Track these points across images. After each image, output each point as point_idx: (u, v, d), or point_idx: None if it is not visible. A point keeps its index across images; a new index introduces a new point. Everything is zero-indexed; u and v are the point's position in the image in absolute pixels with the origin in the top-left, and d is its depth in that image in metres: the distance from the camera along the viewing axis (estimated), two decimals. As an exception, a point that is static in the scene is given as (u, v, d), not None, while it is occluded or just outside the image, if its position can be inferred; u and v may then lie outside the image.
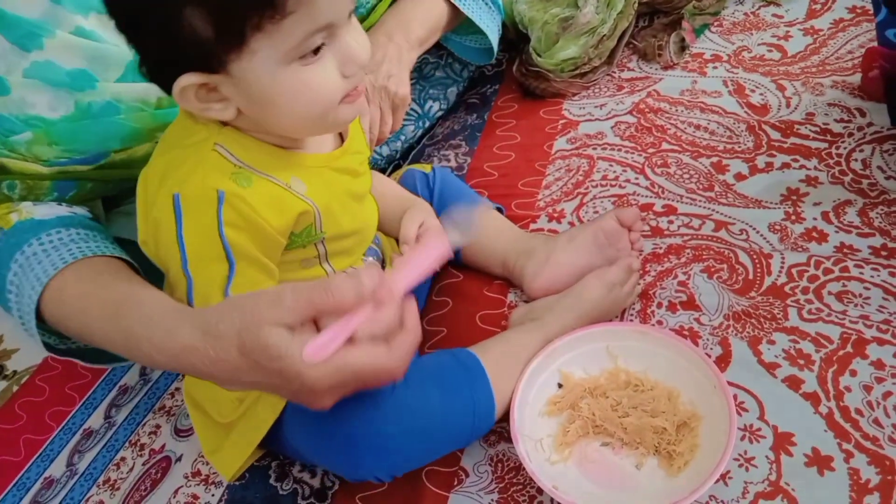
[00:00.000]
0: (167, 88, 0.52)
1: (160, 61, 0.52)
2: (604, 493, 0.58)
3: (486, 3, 0.93)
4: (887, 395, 0.60)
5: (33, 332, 0.62)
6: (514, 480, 0.63)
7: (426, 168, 0.87)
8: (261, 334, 0.46)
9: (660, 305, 0.73)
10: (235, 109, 0.54)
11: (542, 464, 0.60)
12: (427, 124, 1.07)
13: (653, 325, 0.71)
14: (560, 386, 0.66)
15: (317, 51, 0.51)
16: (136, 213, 0.59)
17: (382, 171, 1.03)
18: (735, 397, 0.62)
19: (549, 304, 0.71)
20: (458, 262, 0.83)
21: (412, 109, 1.05)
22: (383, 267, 0.74)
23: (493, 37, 0.95)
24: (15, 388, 0.96)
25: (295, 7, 0.47)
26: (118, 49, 0.63)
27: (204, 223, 0.54)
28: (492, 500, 0.62)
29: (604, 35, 1.03)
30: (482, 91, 1.13)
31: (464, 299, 0.82)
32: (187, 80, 0.50)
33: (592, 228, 0.75)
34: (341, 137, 0.66)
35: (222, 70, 0.50)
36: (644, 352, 0.66)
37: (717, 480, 0.58)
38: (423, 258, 0.53)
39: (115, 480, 0.78)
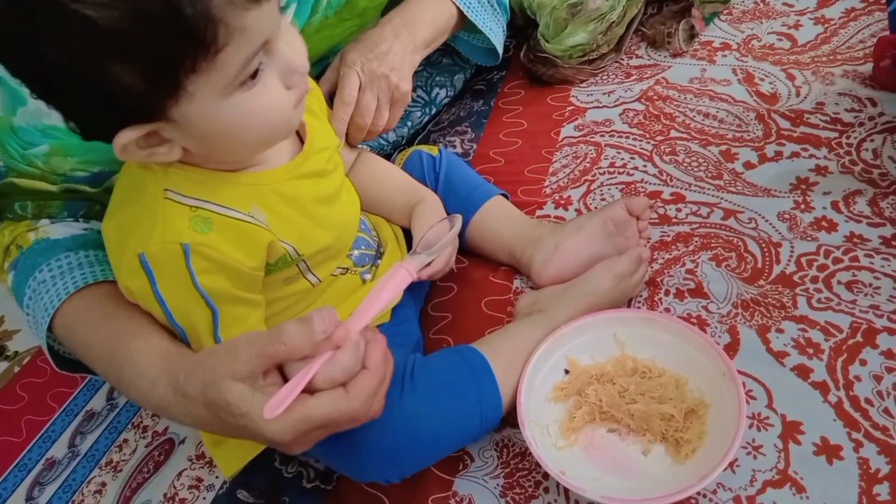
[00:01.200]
0: (107, 141, 0.49)
1: (92, 122, 0.48)
2: (610, 478, 0.58)
3: (492, 6, 0.92)
4: (897, 384, 0.60)
5: (48, 357, 0.66)
6: (520, 465, 0.63)
7: (433, 150, 0.86)
8: (223, 390, 0.47)
9: (667, 293, 0.73)
10: (181, 149, 0.51)
11: (549, 449, 0.60)
12: (433, 111, 1.06)
13: (661, 312, 0.71)
14: (567, 372, 0.66)
15: (255, 73, 0.48)
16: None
17: (388, 156, 1.02)
18: (743, 385, 0.62)
19: (557, 295, 0.71)
20: (462, 249, 0.82)
21: (418, 96, 1.04)
22: (379, 256, 0.73)
23: (497, 40, 0.93)
24: (16, 369, 0.95)
25: (227, 39, 0.44)
26: None
27: (177, 279, 0.53)
28: (497, 484, 0.62)
29: (613, 22, 1.01)
30: (489, 77, 1.12)
31: (469, 285, 0.81)
32: (127, 137, 0.47)
33: (601, 217, 0.74)
34: (300, 137, 0.64)
35: (162, 118, 0.47)
36: (652, 339, 0.65)
37: (725, 468, 0.58)
38: (380, 293, 0.52)
39: (118, 462, 0.78)
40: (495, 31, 0.92)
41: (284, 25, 0.50)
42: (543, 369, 0.65)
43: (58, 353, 0.67)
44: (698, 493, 0.57)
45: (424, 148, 0.86)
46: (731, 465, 0.58)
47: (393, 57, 0.80)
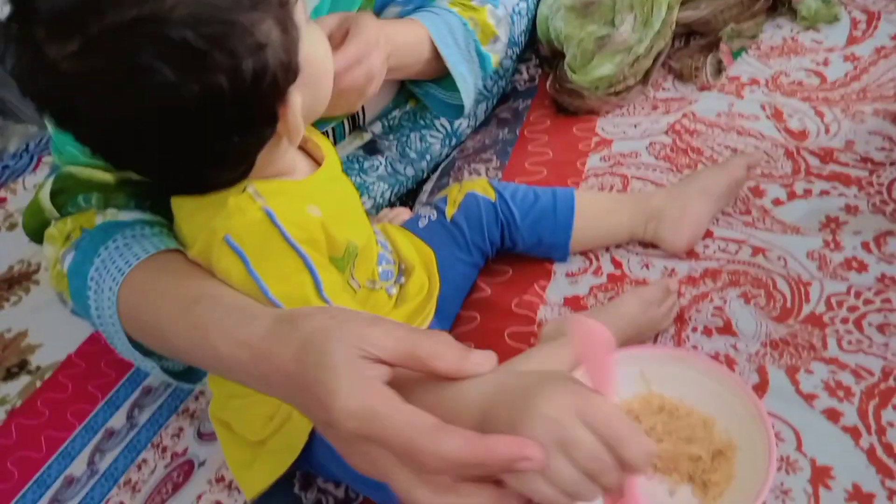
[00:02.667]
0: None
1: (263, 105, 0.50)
2: None
3: (469, 52, 0.86)
4: (931, 432, 0.58)
5: (117, 328, 0.57)
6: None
7: (490, 193, 0.81)
8: (335, 340, 0.40)
9: (695, 329, 0.72)
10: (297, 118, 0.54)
11: None
12: (454, 142, 1.06)
13: (688, 349, 0.70)
14: None
15: None
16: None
17: (411, 191, 1.02)
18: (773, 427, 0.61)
19: (584, 319, 0.70)
20: (565, 254, 0.83)
21: (441, 125, 1.04)
22: (402, 274, 0.74)
23: (466, 87, 0.85)
24: (38, 384, 0.96)
25: None
26: None
27: (269, 246, 0.53)
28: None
29: (640, 54, 1.02)
30: (514, 106, 1.13)
31: (492, 314, 0.81)
32: (297, 100, 0.51)
33: (726, 179, 0.79)
34: (310, 156, 0.65)
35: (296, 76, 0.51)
36: (680, 377, 0.64)
37: (754, 512, 0.57)
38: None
39: (137, 482, 0.78)
40: (466, 78, 0.85)
41: None
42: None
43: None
44: (726, 538, 0.56)
45: (478, 190, 0.82)
46: (759, 509, 0.57)
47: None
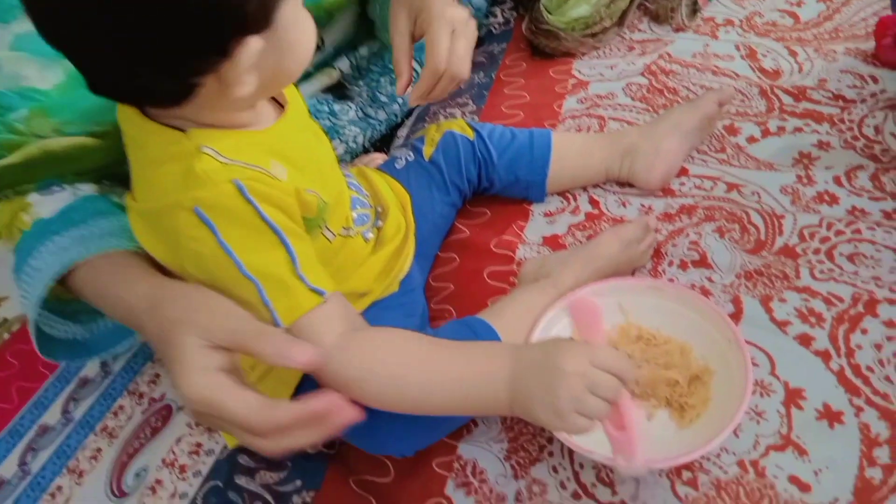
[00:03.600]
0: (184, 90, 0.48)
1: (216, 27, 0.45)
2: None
3: None
4: (898, 353, 0.60)
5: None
6: (524, 430, 0.63)
7: (468, 132, 0.81)
8: (178, 335, 0.48)
9: (671, 264, 0.73)
10: (255, 78, 0.49)
11: None
12: (430, 83, 1.04)
13: (665, 280, 0.71)
14: (571, 339, 0.66)
15: None
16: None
17: (385, 136, 1.00)
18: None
19: (563, 259, 0.71)
20: (542, 193, 0.83)
21: (415, 69, 1.01)
22: (379, 217, 0.72)
23: None
24: (6, 336, 0.94)
25: None
26: None
27: (241, 218, 0.51)
28: (501, 448, 0.62)
29: (616, -5, 1.01)
30: (489, 49, 1.12)
31: (471, 255, 0.81)
32: (257, 43, 0.46)
33: (697, 114, 0.80)
34: (277, 102, 0.62)
35: (270, 24, 0.47)
36: (657, 307, 0.65)
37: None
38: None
39: (114, 428, 0.77)
40: None
41: None
42: (550, 334, 0.65)
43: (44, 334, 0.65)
44: (702, 457, 0.57)
45: (456, 129, 0.81)
46: (735, 429, 0.58)
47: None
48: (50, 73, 0.59)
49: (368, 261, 0.69)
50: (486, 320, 0.64)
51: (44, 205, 0.63)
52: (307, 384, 0.62)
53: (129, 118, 0.53)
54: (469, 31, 0.74)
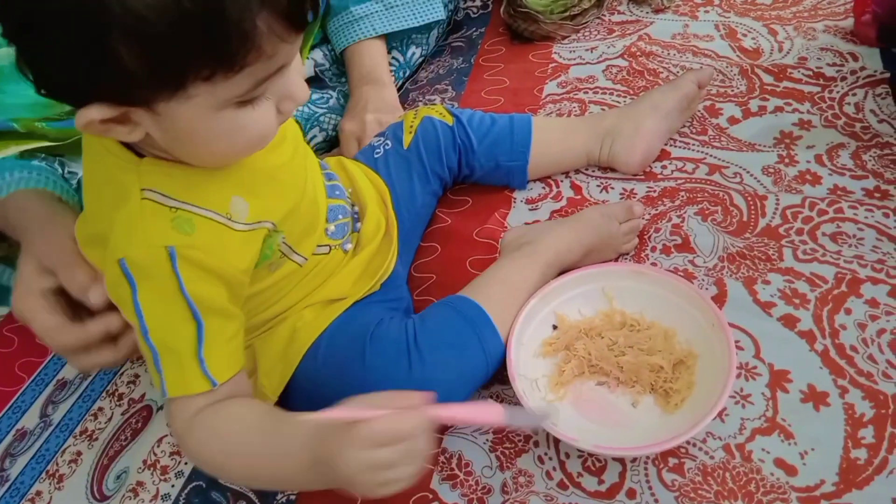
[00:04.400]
0: (69, 102, 0.46)
1: (63, 83, 0.43)
2: (601, 429, 0.58)
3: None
4: (881, 332, 0.60)
5: None
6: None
7: (447, 118, 0.79)
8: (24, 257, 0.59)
9: (654, 248, 0.72)
10: (143, 133, 0.46)
11: (539, 403, 0.59)
12: (407, 73, 1.03)
13: (648, 265, 0.70)
14: (555, 327, 0.65)
15: (256, 98, 0.46)
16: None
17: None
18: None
19: (543, 227, 0.71)
20: (523, 180, 0.82)
21: (393, 58, 1.00)
22: (358, 220, 0.70)
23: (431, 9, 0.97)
24: (-19, 340, 0.92)
25: (253, 61, 0.41)
26: None
27: (161, 287, 0.49)
28: (487, 440, 0.62)
29: (594, -24, 1.00)
30: (468, 34, 1.10)
31: (453, 244, 0.80)
32: (96, 114, 0.43)
33: (676, 95, 0.79)
34: None
35: (144, 106, 0.43)
36: (640, 292, 0.65)
37: (714, 417, 0.58)
38: (475, 410, 0.52)
39: (93, 431, 0.76)
40: (421, 12, 0.96)
41: (297, 58, 0.48)
42: (532, 325, 0.64)
43: None
44: (688, 442, 0.57)
45: (435, 115, 0.80)
46: (719, 413, 0.58)
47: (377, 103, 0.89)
48: None
49: (346, 267, 0.66)
50: (470, 298, 0.63)
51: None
52: (296, 388, 0.62)
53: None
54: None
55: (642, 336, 0.62)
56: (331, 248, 0.64)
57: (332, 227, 0.65)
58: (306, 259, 0.61)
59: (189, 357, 0.50)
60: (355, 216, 0.70)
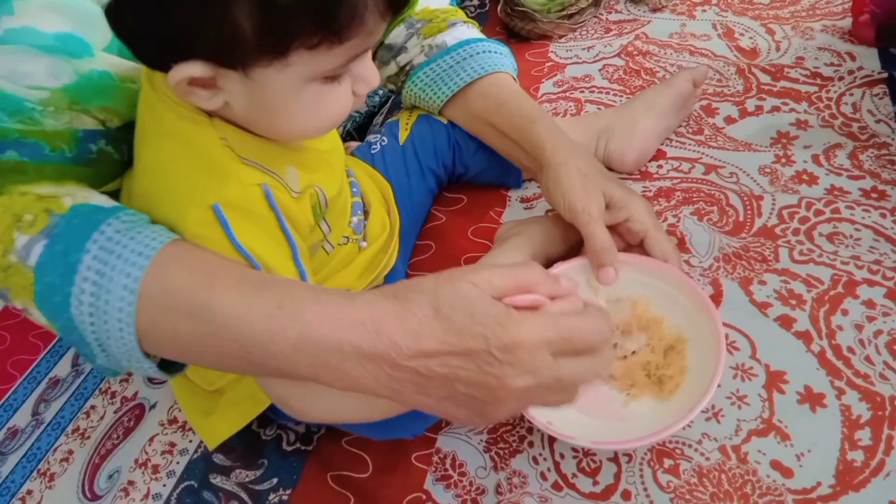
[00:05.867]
0: (153, 63, 0.46)
1: (167, 42, 0.44)
2: (598, 424, 0.56)
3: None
4: (878, 333, 0.60)
5: (128, 320, 0.45)
6: (504, 421, 0.62)
7: (442, 115, 0.78)
8: (461, 287, 0.40)
9: (650, 248, 0.72)
10: (223, 101, 0.47)
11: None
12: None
13: (632, 253, 0.68)
14: None
15: (341, 76, 0.47)
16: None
17: (362, 127, 0.98)
18: (727, 336, 0.62)
19: (533, 221, 0.71)
20: (518, 178, 0.82)
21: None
22: (367, 216, 0.70)
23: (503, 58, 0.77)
24: (-27, 338, 0.91)
25: (354, 35, 0.43)
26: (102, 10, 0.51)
27: (261, 223, 0.50)
28: (481, 440, 0.61)
29: (592, -25, 0.99)
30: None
31: (448, 242, 0.79)
32: (196, 71, 0.43)
33: (671, 94, 0.78)
34: None
35: (240, 69, 0.44)
36: (625, 280, 0.63)
37: (710, 418, 0.58)
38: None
39: (85, 429, 0.75)
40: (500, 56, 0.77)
41: None
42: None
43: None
44: (683, 444, 0.57)
45: (430, 113, 0.79)
46: (716, 415, 0.58)
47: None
48: (61, 73, 0.51)
49: (357, 258, 0.67)
50: None
51: (92, 196, 0.52)
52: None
53: (154, 82, 0.50)
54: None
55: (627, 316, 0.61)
56: (349, 241, 0.65)
57: (354, 220, 0.66)
58: (333, 248, 0.63)
59: (293, 272, 0.52)
60: (365, 214, 0.70)
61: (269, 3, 0.40)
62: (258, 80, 0.45)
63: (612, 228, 0.63)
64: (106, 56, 0.53)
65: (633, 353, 0.60)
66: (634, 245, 0.64)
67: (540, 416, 0.55)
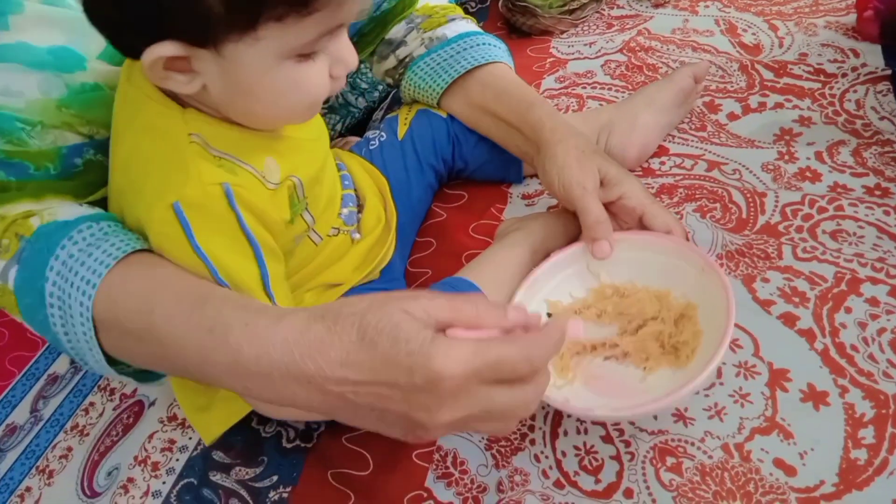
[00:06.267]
0: (129, 50, 0.46)
1: (140, 22, 0.44)
2: (617, 401, 0.55)
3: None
4: (882, 331, 0.59)
5: (91, 344, 0.50)
6: (506, 419, 0.62)
7: (440, 110, 0.78)
8: (392, 315, 0.38)
9: (652, 245, 0.71)
10: (201, 85, 0.47)
11: (549, 389, 0.57)
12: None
13: (626, 231, 0.66)
14: (549, 315, 0.64)
15: (313, 53, 0.47)
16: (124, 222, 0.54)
17: (361, 122, 0.98)
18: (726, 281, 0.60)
19: (534, 217, 0.71)
20: (519, 172, 0.81)
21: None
22: (360, 211, 0.71)
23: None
24: (-29, 334, 0.91)
25: (324, 6, 0.43)
26: None
27: (221, 224, 0.49)
28: (482, 437, 0.61)
29: (593, -30, 0.99)
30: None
31: (449, 239, 0.79)
32: (168, 51, 0.44)
33: (672, 89, 0.78)
34: None
35: (212, 47, 0.44)
36: (624, 261, 0.62)
37: (713, 416, 0.57)
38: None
39: (84, 426, 0.75)
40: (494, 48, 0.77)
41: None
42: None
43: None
44: (686, 442, 0.56)
45: (430, 108, 0.79)
46: (718, 412, 0.57)
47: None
48: (52, 88, 0.52)
49: (348, 254, 0.67)
50: (467, 279, 0.63)
51: (60, 210, 0.54)
52: None
53: (131, 77, 0.51)
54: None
55: (630, 301, 0.61)
56: (339, 232, 0.66)
57: (344, 212, 0.66)
58: (322, 238, 0.63)
59: (261, 293, 0.51)
60: (359, 205, 0.71)
61: None
62: (230, 57, 0.45)
63: (608, 207, 0.62)
64: (98, 66, 0.54)
65: (642, 326, 0.60)
66: (632, 224, 0.64)
67: (556, 395, 0.54)
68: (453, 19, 0.77)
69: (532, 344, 0.40)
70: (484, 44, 0.75)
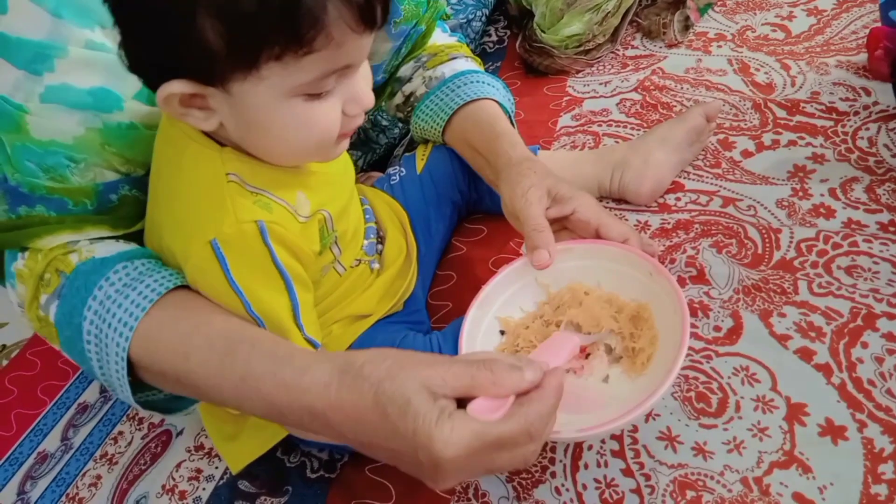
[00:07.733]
0: (150, 84, 0.49)
1: (150, 57, 0.47)
2: (579, 417, 0.53)
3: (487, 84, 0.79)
4: (899, 366, 0.60)
5: (123, 382, 0.53)
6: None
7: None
8: (406, 387, 0.42)
9: (669, 279, 0.73)
10: (219, 122, 0.50)
11: None
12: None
13: (571, 239, 0.66)
14: (503, 333, 0.63)
15: (323, 93, 0.49)
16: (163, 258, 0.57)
17: (382, 159, 1.00)
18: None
19: None
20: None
21: None
22: (380, 242, 0.72)
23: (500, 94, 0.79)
24: (4, 363, 0.93)
25: (321, 46, 0.44)
26: None
27: (255, 260, 0.52)
28: (504, 470, 0.62)
29: (608, 12, 1.02)
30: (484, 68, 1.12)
31: (469, 273, 0.81)
32: (177, 88, 0.46)
33: (683, 127, 0.80)
34: None
35: (220, 85, 0.47)
36: (572, 270, 0.62)
37: (732, 450, 0.58)
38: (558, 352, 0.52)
39: (113, 455, 0.77)
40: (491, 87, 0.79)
41: (365, 64, 0.52)
42: (479, 337, 0.61)
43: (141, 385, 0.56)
44: (706, 476, 0.57)
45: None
46: (737, 446, 0.58)
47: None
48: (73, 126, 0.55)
49: (372, 286, 0.69)
50: None
51: (97, 248, 0.57)
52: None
53: (173, 120, 0.54)
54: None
55: (581, 310, 0.60)
56: (360, 262, 0.68)
57: (366, 243, 0.69)
58: (345, 269, 0.65)
59: (290, 322, 0.54)
60: (380, 239, 0.73)
61: (231, 15, 0.42)
62: (238, 96, 0.47)
63: (563, 223, 0.64)
64: (133, 106, 0.58)
65: (593, 341, 0.59)
66: (588, 237, 0.64)
67: None
68: (455, 58, 0.81)
69: (530, 414, 0.43)
70: (476, 81, 0.77)
